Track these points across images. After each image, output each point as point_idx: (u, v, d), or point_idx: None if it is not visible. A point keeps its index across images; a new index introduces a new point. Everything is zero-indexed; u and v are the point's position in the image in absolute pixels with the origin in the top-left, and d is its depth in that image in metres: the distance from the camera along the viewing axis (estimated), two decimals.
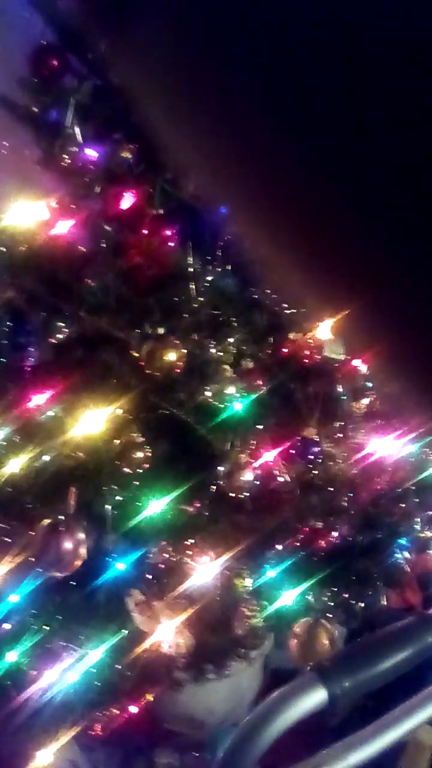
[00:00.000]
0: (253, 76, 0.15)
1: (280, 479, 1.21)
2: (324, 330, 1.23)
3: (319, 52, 0.14)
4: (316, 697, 0.68)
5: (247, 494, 1.18)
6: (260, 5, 0.15)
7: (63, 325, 1.24)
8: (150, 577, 1.22)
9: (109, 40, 0.20)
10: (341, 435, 1.29)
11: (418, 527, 1.35)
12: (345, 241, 0.17)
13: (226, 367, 1.21)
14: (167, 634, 1.21)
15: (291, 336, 1.26)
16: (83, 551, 1.08)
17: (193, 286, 1.20)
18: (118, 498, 1.16)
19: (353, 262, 0.17)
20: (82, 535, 1.08)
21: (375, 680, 0.72)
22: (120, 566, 1.20)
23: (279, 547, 1.22)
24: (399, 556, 1.31)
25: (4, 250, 1.22)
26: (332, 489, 1.25)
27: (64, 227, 1.23)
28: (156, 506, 1.16)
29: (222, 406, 1.16)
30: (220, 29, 0.16)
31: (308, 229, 0.18)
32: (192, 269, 1.21)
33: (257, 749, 0.65)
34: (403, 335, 0.18)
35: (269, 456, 1.20)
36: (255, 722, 0.66)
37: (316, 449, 1.22)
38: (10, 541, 1.13)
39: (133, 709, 1.32)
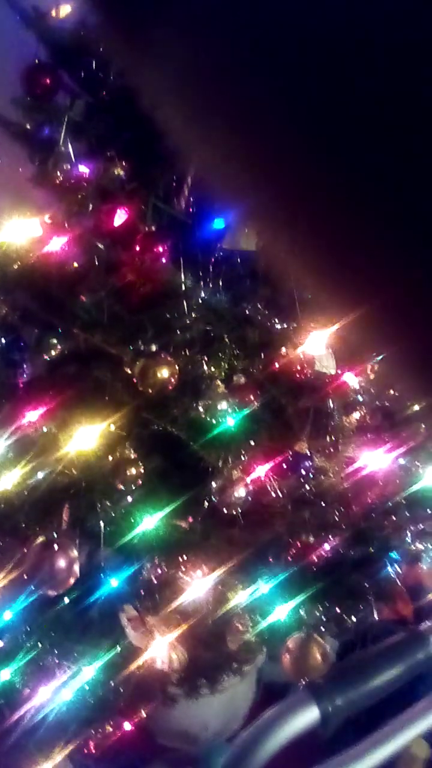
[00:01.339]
0: (269, 83, 0.16)
1: (272, 494, 1.22)
2: (315, 345, 1.24)
3: (341, 58, 0.14)
4: (308, 716, 0.69)
5: (240, 509, 1.18)
6: (275, 14, 0.15)
7: (56, 341, 1.25)
8: (143, 592, 1.22)
9: (122, 44, 0.20)
10: (332, 449, 1.30)
11: (408, 540, 1.35)
12: (346, 249, 0.17)
13: (218, 382, 1.22)
14: (161, 649, 1.21)
15: (282, 351, 1.27)
16: (76, 568, 1.09)
17: (186, 303, 1.20)
18: (111, 514, 1.16)
19: (350, 274, 0.18)
20: (75, 553, 1.09)
21: (367, 697, 0.73)
22: (113, 582, 1.20)
23: (271, 561, 1.23)
24: (390, 569, 1.31)
25: None
26: (324, 503, 1.26)
27: (57, 244, 1.24)
28: (149, 522, 1.16)
29: (214, 421, 1.17)
30: (237, 34, 0.16)
31: (308, 240, 0.18)
32: (184, 286, 1.22)
33: None
34: (402, 343, 0.19)
35: (261, 471, 1.20)
36: (248, 742, 0.66)
37: (308, 464, 1.22)
38: (3, 558, 1.13)
39: (127, 725, 1.32)
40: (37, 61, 1.29)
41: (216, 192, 0.19)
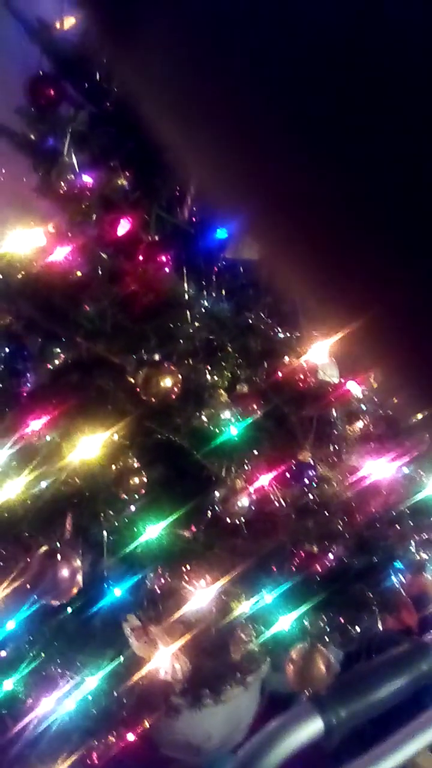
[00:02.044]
0: (270, 90, 0.16)
1: (276, 503, 1.21)
2: (318, 353, 1.24)
3: (345, 64, 0.14)
4: (312, 728, 0.68)
5: (243, 519, 1.18)
6: (274, 17, 0.15)
7: (59, 350, 1.25)
8: (146, 602, 1.22)
9: (116, 53, 0.20)
10: (336, 458, 1.30)
11: (413, 549, 1.35)
12: (345, 259, 0.17)
13: (221, 391, 1.22)
14: (164, 659, 1.20)
15: (285, 360, 1.27)
16: (79, 578, 1.08)
17: (189, 312, 1.20)
18: (114, 523, 1.16)
19: (353, 281, 0.17)
20: (78, 562, 1.08)
21: (371, 709, 0.72)
22: (116, 592, 1.20)
23: (275, 571, 1.22)
24: (395, 579, 1.31)
25: (1, 276, 1.23)
26: (327, 512, 1.25)
27: (61, 254, 1.24)
28: (152, 531, 1.16)
29: (217, 430, 1.17)
30: (238, 41, 0.16)
31: (310, 247, 0.18)
32: (187, 295, 1.22)
33: None
34: (401, 355, 0.18)
35: (264, 480, 1.20)
36: (251, 753, 0.66)
37: (311, 473, 1.22)
38: (6, 567, 1.13)
39: (130, 736, 1.31)
40: (40, 72, 1.30)
41: (215, 202, 0.19)
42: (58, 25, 1.35)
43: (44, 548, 1.09)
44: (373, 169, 0.15)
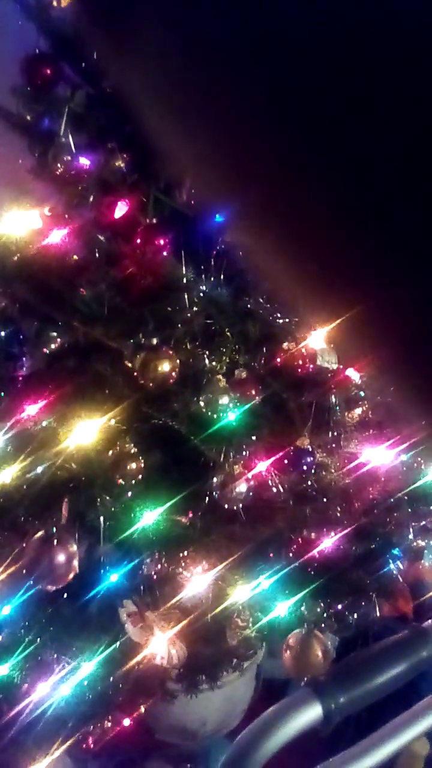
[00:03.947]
0: (256, 81, 0.15)
1: (274, 490, 1.21)
2: (317, 339, 1.23)
3: (325, 59, 0.14)
4: (311, 713, 0.68)
5: (241, 505, 1.18)
6: (264, 12, 0.15)
7: (56, 334, 1.24)
8: (143, 588, 1.21)
9: (111, 44, 0.19)
10: (334, 445, 1.29)
11: (410, 537, 1.35)
12: (341, 247, 0.17)
13: (220, 377, 1.21)
14: (160, 645, 1.20)
15: (284, 346, 1.26)
16: (76, 563, 1.08)
17: (187, 296, 1.19)
18: (111, 509, 1.15)
19: (350, 269, 0.17)
20: (74, 548, 1.08)
21: (369, 695, 0.72)
22: (113, 577, 1.20)
23: (272, 557, 1.22)
24: (392, 566, 1.31)
25: None
26: (325, 499, 1.25)
27: (57, 236, 1.23)
28: (149, 517, 1.15)
29: (215, 416, 1.16)
30: (225, 32, 0.16)
31: (304, 236, 0.18)
32: (185, 279, 1.21)
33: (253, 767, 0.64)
34: (398, 342, 0.18)
35: (262, 466, 1.20)
36: (250, 739, 0.65)
37: (310, 459, 1.22)
38: (2, 552, 1.13)
39: (126, 721, 1.31)
40: (37, 51, 1.28)
41: (208, 192, 0.19)
42: (55, 3, 1.32)
43: (40, 533, 1.09)
44: (366, 158, 0.15)
